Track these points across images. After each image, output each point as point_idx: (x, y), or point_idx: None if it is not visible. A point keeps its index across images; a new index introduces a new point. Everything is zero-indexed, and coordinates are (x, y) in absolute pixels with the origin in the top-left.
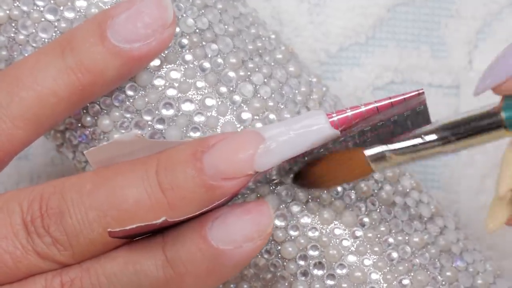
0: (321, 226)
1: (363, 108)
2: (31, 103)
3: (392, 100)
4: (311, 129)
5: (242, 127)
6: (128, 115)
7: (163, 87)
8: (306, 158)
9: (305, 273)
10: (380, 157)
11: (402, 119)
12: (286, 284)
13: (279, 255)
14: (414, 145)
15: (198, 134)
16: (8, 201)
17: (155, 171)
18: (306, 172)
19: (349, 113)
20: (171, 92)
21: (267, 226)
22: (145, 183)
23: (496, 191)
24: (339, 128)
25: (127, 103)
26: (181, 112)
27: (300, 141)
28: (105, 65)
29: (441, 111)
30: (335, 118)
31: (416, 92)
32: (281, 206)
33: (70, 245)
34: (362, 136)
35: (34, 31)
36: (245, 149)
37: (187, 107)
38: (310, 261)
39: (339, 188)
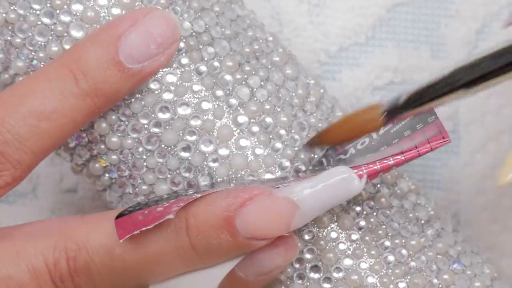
0: (318, 229)
1: (391, 161)
2: (53, 134)
3: (419, 149)
4: (340, 185)
5: (238, 130)
6: (124, 119)
7: (159, 90)
8: None
9: (301, 276)
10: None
11: None
12: (283, 287)
13: None
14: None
15: (194, 137)
16: (31, 260)
17: (185, 233)
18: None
19: (378, 166)
20: (167, 95)
21: (294, 256)
22: (178, 247)
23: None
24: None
25: (124, 106)
26: (177, 116)
27: (330, 199)
28: (121, 88)
29: (441, 112)
30: (363, 172)
31: (443, 141)
32: None
33: None
34: None
35: (30, 34)
36: (281, 220)
37: (183, 110)
38: (307, 264)
39: None
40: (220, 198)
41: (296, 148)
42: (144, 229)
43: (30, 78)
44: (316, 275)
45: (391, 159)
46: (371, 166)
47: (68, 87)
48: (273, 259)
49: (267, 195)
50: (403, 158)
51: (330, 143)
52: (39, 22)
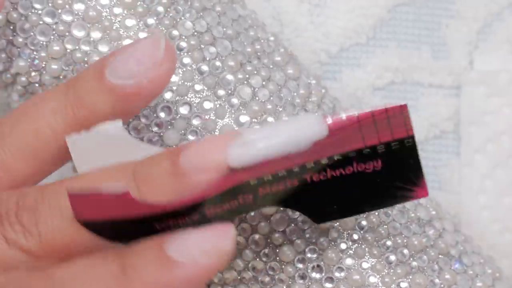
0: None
1: (356, 113)
2: (27, 135)
3: (373, 110)
4: (294, 126)
5: None
6: None
7: None
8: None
9: (303, 276)
10: None
11: (390, 153)
12: (284, 287)
13: (277, 258)
14: None
15: (196, 137)
16: None
17: (131, 167)
18: None
19: (343, 115)
20: (168, 95)
21: (226, 244)
22: (121, 177)
23: None
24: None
25: None
26: (179, 115)
27: (280, 140)
28: (98, 100)
29: (442, 112)
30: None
31: (399, 106)
32: (280, 209)
33: (38, 233)
34: (346, 163)
35: (32, 34)
36: (220, 141)
37: (185, 110)
38: (308, 264)
39: None
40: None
41: None
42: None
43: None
44: (318, 275)
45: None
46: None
47: (57, 96)
48: (201, 240)
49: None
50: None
51: None
52: (40, 22)
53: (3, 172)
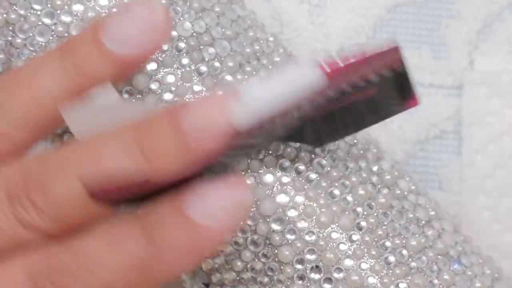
0: (318, 230)
1: (352, 60)
2: (29, 104)
3: (370, 56)
4: (295, 76)
5: None
6: None
7: (159, 91)
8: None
9: (302, 277)
10: None
11: (384, 80)
12: (283, 287)
13: (276, 259)
14: None
15: None
16: None
17: (134, 138)
18: None
19: (340, 62)
20: (168, 96)
21: (244, 198)
22: (127, 151)
23: None
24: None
25: None
26: None
27: (282, 91)
28: (98, 68)
29: (442, 112)
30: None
31: (394, 48)
32: (278, 210)
33: (51, 210)
34: (343, 98)
35: (31, 34)
36: (222, 102)
37: None
38: (307, 265)
39: (336, 192)
40: (170, 107)
41: (296, 148)
42: None
43: (36, 56)
44: (317, 276)
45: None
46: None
47: (52, 63)
48: (219, 197)
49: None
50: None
51: None
52: (39, 23)
53: (3, 142)
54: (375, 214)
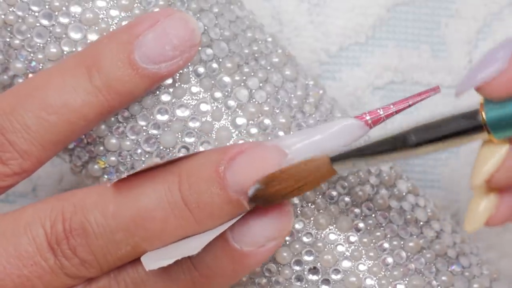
0: (316, 231)
1: (393, 108)
2: (62, 127)
3: (410, 102)
4: (336, 130)
5: (237, 132)
6: (123, 120)
7: (157, 92)
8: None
9: (300, 278)
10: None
11: None
12: None
13: (274, 260)
14: (388, 149)
15: (192, 139)
16: (29, 224)
17: (178, 188)
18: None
19: (381, 112)
20: (165, 97)
21: (288, 224)
22: (170, 202)
23: (470, 184)
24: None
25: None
26: (175, 118)
27: (325, 145)
28: (135, 87)
29: (441, 111)
30: (367, 118)
31: (432, 92)
32: None
33: (98, 264)
34: None
35: (29, 36)
36: (268, 165)
37: (181, 112)
38: (305, 266)
39: (334, 193)
40: (213, 153)
41: None
42: (133, 171)
43: (46, 71)
44: (315, 277)
45: (392, 106)
46: (375, 114)
47: (81, 83)
48: (265, 227)
49: (257, 145)
50: (407, 104)
51: (275, 195)
52: (37, 24)
53: (35, 161)
54: (373, 215)
